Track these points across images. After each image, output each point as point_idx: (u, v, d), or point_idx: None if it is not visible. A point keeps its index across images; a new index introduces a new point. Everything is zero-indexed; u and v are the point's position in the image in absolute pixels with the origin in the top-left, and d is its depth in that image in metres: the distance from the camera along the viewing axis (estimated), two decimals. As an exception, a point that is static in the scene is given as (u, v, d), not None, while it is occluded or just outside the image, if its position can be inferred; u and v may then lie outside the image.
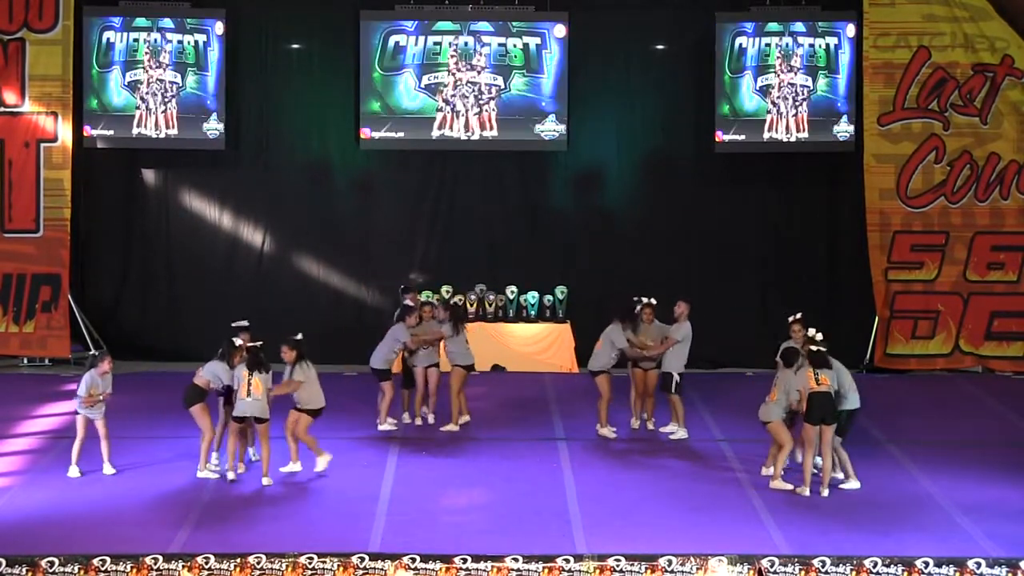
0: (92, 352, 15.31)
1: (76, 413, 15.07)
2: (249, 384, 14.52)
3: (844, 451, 14.88)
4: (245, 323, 15.70)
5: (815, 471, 14.78)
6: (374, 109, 20.96)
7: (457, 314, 17.14)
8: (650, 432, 17.04)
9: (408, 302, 17.51)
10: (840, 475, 14.89)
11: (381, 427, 16.89)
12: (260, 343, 14.77)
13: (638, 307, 16.87)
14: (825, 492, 14.61)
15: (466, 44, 20.87)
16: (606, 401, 16.71)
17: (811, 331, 15.02)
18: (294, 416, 15.00)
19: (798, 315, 15.94)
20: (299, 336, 15.02)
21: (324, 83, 21.37)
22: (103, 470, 15.02)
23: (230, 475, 14.79)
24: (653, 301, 16.93)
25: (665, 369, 16.62)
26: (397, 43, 20.87)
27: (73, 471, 14.93)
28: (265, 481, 14.77)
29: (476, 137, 20.98)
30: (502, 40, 20.89)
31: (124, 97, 20.75)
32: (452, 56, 20.85)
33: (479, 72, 20.90)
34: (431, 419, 17.27)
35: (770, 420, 14.90)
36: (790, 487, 14.71)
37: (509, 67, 20.92)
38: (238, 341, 14.96)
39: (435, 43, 20.88)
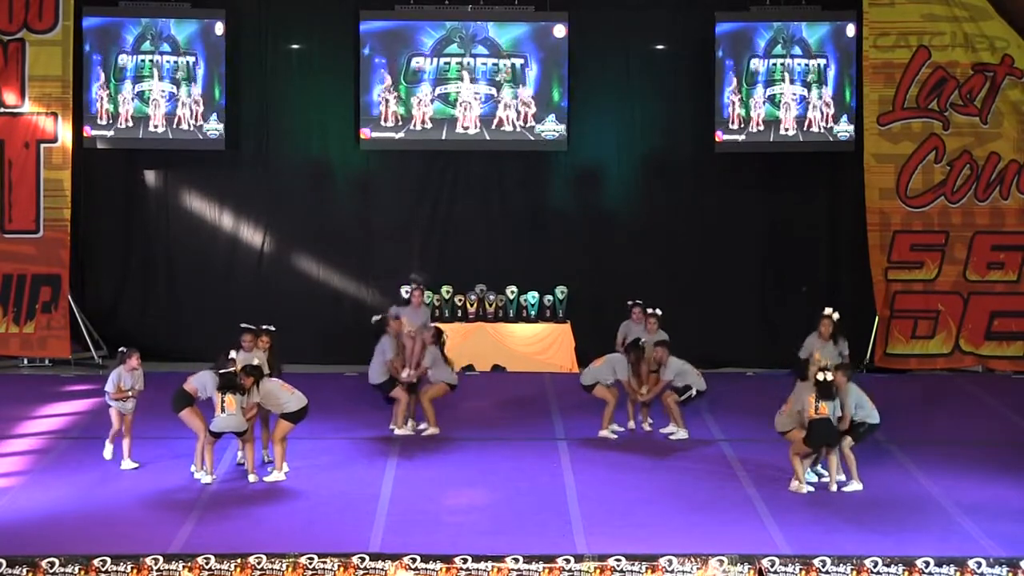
0: (121, 349, 15.49)
1: (108, 407, 15.24)
2: (223, 401, 14.63)
3: (852, 455, 14.88)
4: (253, 327, 15.85)
5: (823, 475, 14.89)
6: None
7: (441, 341, 16.93)
8: (650, 432, 17.03)
9: (389, 316, 17.18)
10: (842, 476, 14.90)
11: (397, 431, 16.78)
12: (233, 370, 14.73)
13: (642, 340, 16.87)
14: (833, 487, 14.67)
15: (466, 45, 20.91)
16: (611, 407, 16.67)
17: (826, 370, 14.89)
18: (276, 422, 15.05)
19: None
20: (255, 362, 15.05)
21: (324, 83, 21.36)
22: (121, 465, 15.19)
23: (206, 479, 14.81)
24: (658, 312, 17.08)
25: (683, 383, 16.62)
26: (398, 44, 20.90)
27: (108, 452, 15.28)
28: (251, 478, 14.84)
29: (476, 137, 20.98)
30: (502, 40, 20.90)
31: (124, 98, 20.74)
32: (453, 57, 20.87)
33: (479, 72, 20.91)
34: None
35: (784, 430, 14.89)
36: (811, 489, 14.72)
37: (509, 67, 20.92)
38: (232, 354, 15.03)
39: (435, 44, 20.89)
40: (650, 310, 17.18)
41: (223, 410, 14.64)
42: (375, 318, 17.30)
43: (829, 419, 14.53)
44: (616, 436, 16.75)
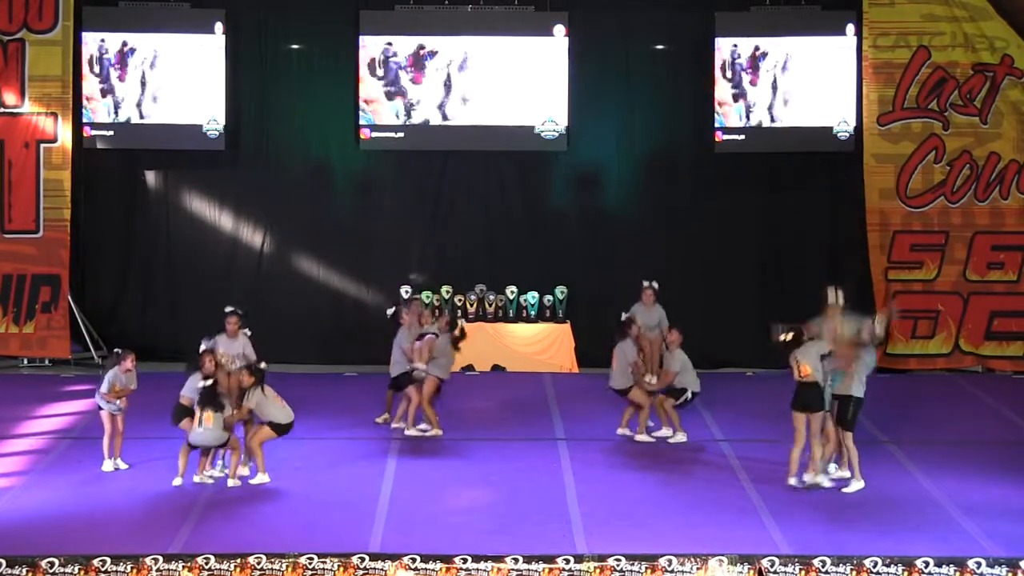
0: (116, 350, 15.48)
1: (100, 409, 15.21)
2: (201, 416, 14.59)
3: (856, 450, 14.86)
4: (240, 311, 15.92)
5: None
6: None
7: (455, 331, 16.87)
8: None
9: (401, 308, 17.18)
10: (846, 473, 14.91)
11: (408, 432, 16.71)
12: (213, 381, 14.72)
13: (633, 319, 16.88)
14: (793, 481, 14.69)
15: (466, 44, 20.92)
16: (646, 410, 16.55)
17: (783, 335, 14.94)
18: (258, 427, 14.91)
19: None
20: (262, 364, 15.03)
21: (324, 83, 21.36)
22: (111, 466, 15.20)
23: (176, 480, 14.74)
24: (655, 284, 17.08)
25: (680, 385, 16.58)
26: (398, 44, 20.91)
27: (107, 465, 15.16)
28: (230, 483, 14.71)
29: (476, 137, 20.98)
30: (502, 40, 20.91)
31: (124, 98, 20.75)
32: (453, 56, 20.88)
33: (479, 71, 20.92)
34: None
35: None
36: (830, 485, 14.74)
37: (509, 67, 20.92)
38: (203, 346, 15.01)
39: (435, 44, 20.91)
40: (647, 282, 17.10)
41: (200, 424, 14.60)
42: (389, 311, 17.21)
43: (816, 382, 14.50)
44: (654, 439, 16.62)
